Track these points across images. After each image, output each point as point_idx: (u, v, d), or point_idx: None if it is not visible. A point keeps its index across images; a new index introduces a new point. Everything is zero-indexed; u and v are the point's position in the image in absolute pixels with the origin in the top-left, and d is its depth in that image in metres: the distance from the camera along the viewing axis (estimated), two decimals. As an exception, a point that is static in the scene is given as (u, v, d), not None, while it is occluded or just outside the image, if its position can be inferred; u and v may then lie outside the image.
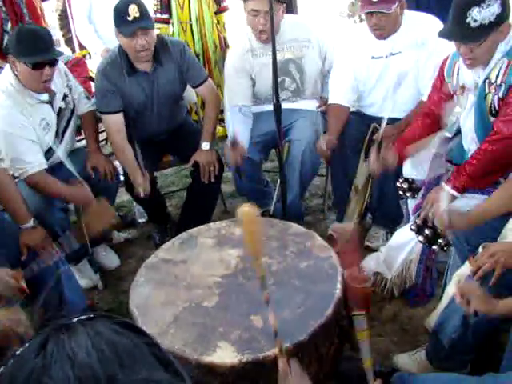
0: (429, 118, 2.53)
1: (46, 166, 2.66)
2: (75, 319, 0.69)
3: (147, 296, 2.00)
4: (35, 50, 2.46)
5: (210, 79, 3.17)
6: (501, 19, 2.00)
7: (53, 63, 2.56)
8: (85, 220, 2.64)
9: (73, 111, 2.93)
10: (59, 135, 2.85)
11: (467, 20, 2.00)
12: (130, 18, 2.65)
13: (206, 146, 3.00)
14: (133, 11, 2.64)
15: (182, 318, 1.86)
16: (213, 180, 3.00)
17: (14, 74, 2.57)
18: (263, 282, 1.53)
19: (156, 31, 2.84)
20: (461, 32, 2.06)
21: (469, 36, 2.05)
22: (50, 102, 2.73)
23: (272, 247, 2.17)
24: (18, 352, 0.66)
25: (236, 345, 1.70)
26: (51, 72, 2.57)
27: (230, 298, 1.92)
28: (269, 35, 2.67)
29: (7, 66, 2.62)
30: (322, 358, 1.80)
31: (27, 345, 0.66)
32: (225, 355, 1.66)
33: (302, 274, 1.99)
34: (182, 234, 2.37)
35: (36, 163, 2.61)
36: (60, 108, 2.82)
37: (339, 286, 1.89)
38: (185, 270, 2.12)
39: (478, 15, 1.99)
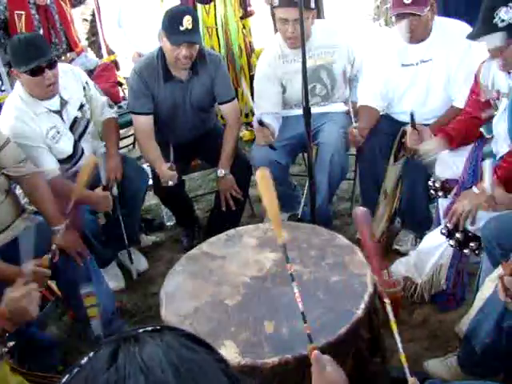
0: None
1: (58, 172, 2.68)
2: (141, 330, 0.67)
3: (178, 285, 2.07)
4: (30, 57, 2.46)
5: (235, 100, 3.17)
6: None
7: (51, 66, 2.55)
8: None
9: (88, 121, 2.91)
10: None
11: (494, 20, 2.00)
12: (182, 28, 2.66)
13: (220, 172, 3.02)
14: (187, 22, 2.65)
15: (202, 312, 1.90)
16: (233, 208, 3.05)
17: (23, 87, 2.60)
18: (285, 251, 1.52)
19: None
20: (487, 32, 2.06)
21: (496, 35, 2.04)
22: (60, 112, 2.72)
23: (309, 256, 2.14)
24: (84, 361, 0.64)
25: (240, 346, 1.71)
26: (53, 74, 2.56)
27: (251, 300, 1.94)
28: (297, 42, 2.66)
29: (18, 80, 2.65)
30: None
31: (94, 355, 0.64)
32: (226, 354, 1.65)
33: (329, 288, 1.94)
34: (230, 231, 2.38)
35: (47, 171, 2.62)
36: (76, 117, 2.80)
37: (363, 306, 1.81)
38: (220, 266, 2.15)
39: (506, 15, 1.98)
